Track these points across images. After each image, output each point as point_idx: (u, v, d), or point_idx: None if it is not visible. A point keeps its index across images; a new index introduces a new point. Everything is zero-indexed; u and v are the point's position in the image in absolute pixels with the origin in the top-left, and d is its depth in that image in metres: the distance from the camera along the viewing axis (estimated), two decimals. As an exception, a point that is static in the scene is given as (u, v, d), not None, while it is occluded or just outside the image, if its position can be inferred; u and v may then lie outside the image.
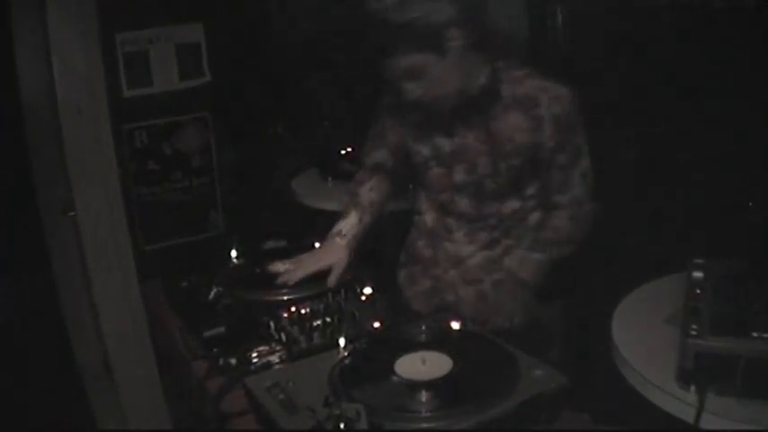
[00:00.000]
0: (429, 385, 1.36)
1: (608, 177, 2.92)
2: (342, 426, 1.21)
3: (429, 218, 2.00)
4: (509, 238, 1.90)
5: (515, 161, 1.79)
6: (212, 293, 1.84)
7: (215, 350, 1.61)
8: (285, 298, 1.82)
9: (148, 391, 2.46)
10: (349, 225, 1.96)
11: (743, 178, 2.53)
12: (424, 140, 1.90)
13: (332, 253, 1.91)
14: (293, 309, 1.72)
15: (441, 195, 1.93)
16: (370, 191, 2.02)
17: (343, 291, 1.81)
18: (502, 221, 1.89)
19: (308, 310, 1.72)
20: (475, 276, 1.93)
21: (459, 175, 1.87)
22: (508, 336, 1.55)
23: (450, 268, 1.96)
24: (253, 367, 1.54)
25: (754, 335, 1.42)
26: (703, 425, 1.39)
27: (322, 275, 1.88)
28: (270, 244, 2.22)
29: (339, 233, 1.94)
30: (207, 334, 1.67)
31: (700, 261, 1.71)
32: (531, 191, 1.87)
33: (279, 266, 1.97)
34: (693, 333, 1.44)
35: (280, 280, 1.88)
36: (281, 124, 3.46)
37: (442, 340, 1.52)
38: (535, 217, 1.90)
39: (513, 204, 1.88)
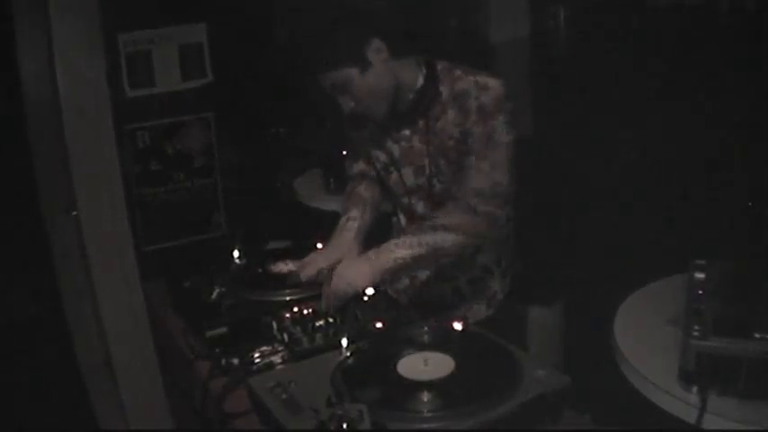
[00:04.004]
0: (431, 386, 1.36)
1: (609, 178, 2.94)
2: (344, 426, 1.22)
3: (402, 220, 2.04)
4: None
5: (452, 156, 1.81)
6: (215, 294, 1.85)
7: (217, 350, 1.61)
8: (288, 298, 1.82)
9: (150, 391, 2.46)
10: (353, 218, 1.98)
11: (743, 177, 2.54)
12: (380, 147, 1.93)
13: (341, 247, 1.92)
14: (296, 309, 1.72)
15: (402, 199, 1.97)
16: (366, 190, 2.05)
17: (345, 291, 1.81)
18: None
19: (310, 310, 1.73)
20: (448, 274, 1.97)
21: (409, 179, 1.90)
22: (510, 335, 1.55)
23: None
24: (255, 367, 1.54)
25: (757, 336, 1.42)
26: (705, 426, 1.39)
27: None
28: (272, 244, 2.23)
29: (344, 227, 1.96)
30: (209, 334, 1.68)
31: (702, 262, 1.71)
32: None
33: (282, 267, 1.98)
34: (695, 334, 1.45)
35: (290, 280, 1.88)
36: (283, 125, 3.47)
37: (444, 341, 1.52)
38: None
39: None
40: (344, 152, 3.08)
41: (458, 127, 1.78)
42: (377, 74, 1.69)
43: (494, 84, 1.75)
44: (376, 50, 1.68)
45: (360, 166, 2.08)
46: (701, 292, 1.61)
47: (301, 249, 2.04)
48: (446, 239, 1.74)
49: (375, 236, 2.07)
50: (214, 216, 3.02)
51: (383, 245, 1.78)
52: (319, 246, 2.01)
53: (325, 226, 2.04)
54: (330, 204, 2.92)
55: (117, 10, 2.48)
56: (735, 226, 2.48)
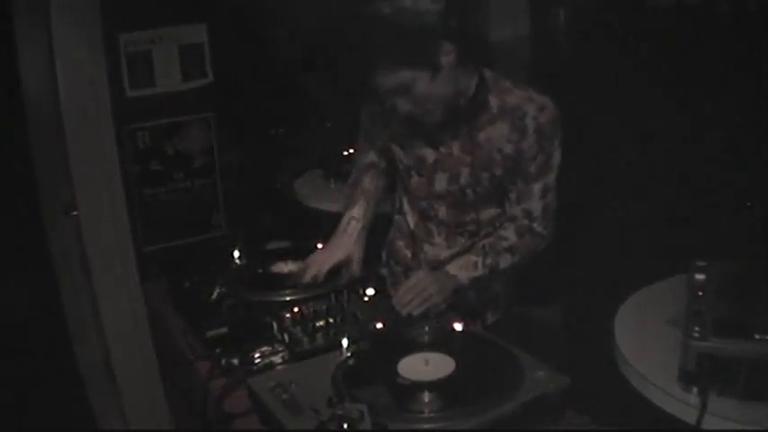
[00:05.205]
0: (432, 386, 1.37)
1: (609, 178, 2.94)
2: (345, 426, 1.22)
3: (411, 220, 2.02)
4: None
5: (498, 171, 1.80)
6: (215, 294, 1.85)
7: (218, 350, 1.61)
8: (288, 299, 1.83)
9: (150, 391, 2.46)
10: (361, 210, 1.99)
11: (743, 177, 2.54)
12: (406, 150, 1.91)
13: (349, 242, 1.93)
14: (296, 309, 1.73)
15: (421, 202, 1.95)
16: (372, 181, 2.05)
17: (345, 291, 1.81)
18: (481, 228, 1.91)
19: (310, 310, 1.73)
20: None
21: (441, 185, 1.88)
22: (511, 336, 1.55)
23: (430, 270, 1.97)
24: (255, 368, 1.54)
25: (757, 337, 1.42)
26: (705, 426, 1.39)
27: (333, 273, 1.89)
28: (272, 245, 2.23)
29: (352, 219, 1.97)
30: (210, 334, 1.68)
31: (702, 263, 1.72)
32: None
33: (282, 267, 1.98)
34: (696, 335, 1.45)
35: (305, 279, 1.88)
36: (284, 125, 3.47)
37: (444, 341, 1.52)
38: (510, 224, 1.89)
39: (491, 211, 1.90)
40: (346, 152, 3.11)
41: (510, 143, 1.77)
42: (444, 78, 1.66)
43: (549, 103, 1.75)
44: (446, 54, 1.64)
45: (371, 158, 2.06)
46: (701, 292, 1.62)
47: (301, 250, 2.04)
48: (505, 260, 1.82)
49: (376, 236, 2.08)
50: (214, 216, 3.01)
51: (452, 264, 1.82)
52: (320, 246, 2.01)
53: (325, 226, 2.05)
54: (330, 205, 2.92)
55: (117, 10, 2.47)
56: (735, 226, 2.49)
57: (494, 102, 1.77)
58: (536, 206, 1.82)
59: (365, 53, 1.65)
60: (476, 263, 1.81)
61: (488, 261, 1.81)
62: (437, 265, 1.94)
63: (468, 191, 1.85)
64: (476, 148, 1.80)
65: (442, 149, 1.85)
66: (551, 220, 1.86)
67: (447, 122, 1.78)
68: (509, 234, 1.84)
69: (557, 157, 1.80)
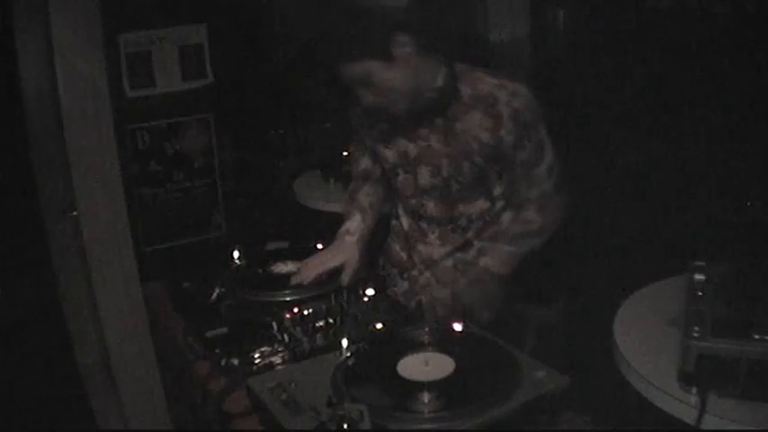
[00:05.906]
0: (431, 386, 1.36)
1: (609, 179, 2.94)
2: (345, 426, 1.22)
3: (404, 221, 2.03)
4: (482, 239, 1.93)
5: (478, 160, 1.81)
6: (215, 294, 1.85)
7: (217, 351, 1.61)
8: (288, 299, 1.83)
9: (149, 391, 2.46)
10: (355, 224, 2.00)
11: (743, 178, 2.54)
12: (389, 147, 1.93)
13: (343, 251, 1.94)
14: (296, 310, 1.73)
15: (410, 200, 1.96)
16: (367, 195, 2.06)
17: (345, 292, 1.81)
18: (472, 222, 1.92)
19: (310, 311, 1.73)
20: (449, 278, 1.97)
21: (424, 178, 1.89)
22: (510, 336, 1.55)
23: (424, 270, 1.99)
24: (255, 368, 1.54)
25: (756, 337, 1.42)
26: (704, 426, 1.39)
27: (332, 276, 1.90)
28: (271, 245, 2.23)
29: (347, 232, 1.98)
30: (209, 334, 1.68)
31: (701, 263, 1.72)
32: (497, 191, 1.90)
33: (282, 267, 1.98)
34: (695, 335, 1.45)
35: (293, 281, 1.89)
36: (283, 125, 3.47)
37: (444, 342, 1.52)
38: (507, 216, 1.93)
39: (481, 205, 1.91)
40: (345, 152, 3.11)
41: (486, 131, 1.78)
42: (400, 69, 1.69)
43: (522, 89, 1.77)
44: (401, 45, 1.67)
45: (365, 164, 2.08)
46: (700, 293, 1.61)
47: (300, 250, 2.04)
48: (534, 240, 1.86)
49: (374, 239, 2.08)
50: (214, 216, 3.02)
51: (490, 261, 1.86)
52: (319, 246, 2.02)
53: (325, 227, 2.05)
54: (329, 205, 2.92)
55: (117, 10, 2.48)
56: (735, 226, 2.48)
57: (465, 91, 1.79)
58: (547, 185, 1.86)
59: (327, 45, 1.70)
60: (512, 252, 1.85)
61: (524, 247, 1.86)
62: (430, 264, 1.95)
63: (452, 182, 1.86)
64: (453, 138, 1.82)
65: (421, 143, 1.86)
66: (564, 189, 1.89)
67: (420, 115, 1.80)
68: (531, 215, 1.87)
69: (546, 137, 1.82)
